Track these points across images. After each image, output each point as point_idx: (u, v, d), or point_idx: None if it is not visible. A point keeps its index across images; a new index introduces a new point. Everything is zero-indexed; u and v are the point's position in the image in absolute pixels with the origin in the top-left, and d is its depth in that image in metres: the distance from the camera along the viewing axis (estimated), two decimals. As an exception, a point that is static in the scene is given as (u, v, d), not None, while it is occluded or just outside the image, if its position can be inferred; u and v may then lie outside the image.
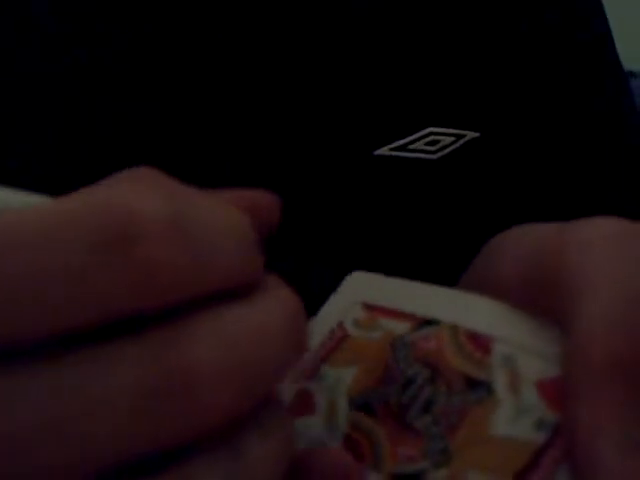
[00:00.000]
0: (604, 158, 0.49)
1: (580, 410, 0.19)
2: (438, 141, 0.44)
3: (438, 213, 0.45)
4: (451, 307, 0.23)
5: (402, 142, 0.43)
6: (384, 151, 0.43)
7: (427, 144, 0.44)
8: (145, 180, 0.18)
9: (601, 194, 0.48)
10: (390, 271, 0.43)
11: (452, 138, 0.44)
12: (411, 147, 0.43)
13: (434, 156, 0.44)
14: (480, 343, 0.22)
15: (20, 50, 0.44)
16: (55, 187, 0.40)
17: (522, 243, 0.23)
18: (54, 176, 0.42)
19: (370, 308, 0.24)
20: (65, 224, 0.17)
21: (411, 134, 0.43)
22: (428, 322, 0.23)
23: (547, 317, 0.22)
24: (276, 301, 0.19)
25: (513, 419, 0.21)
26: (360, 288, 0.24)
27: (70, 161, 0.43)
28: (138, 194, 0.17)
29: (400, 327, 0.23)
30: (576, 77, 0.48)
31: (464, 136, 0.44)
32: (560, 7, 0.48)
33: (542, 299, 0.22)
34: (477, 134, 0.45)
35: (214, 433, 0.17)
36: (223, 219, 0.19)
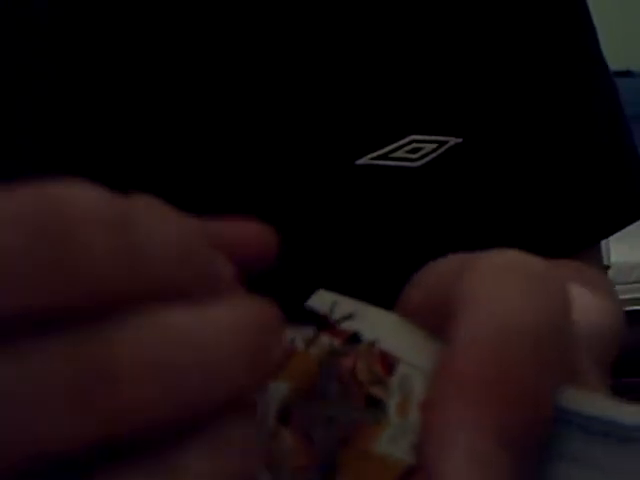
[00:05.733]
0: (591, 161, 0.49)
1: (432, 421, 0.19)
2: (420, 149, 0.44)
3: (421, 221, 0.45)
4: (374, 326, 0.24)
5: (383, 151, 0.44)
6: (365, 160, 0.43)
7: (409, 152, 0.44)
8: (84, 183, 0.18)
9: (588, 197, 0.48)
10: (373, 280, 0.43)
11: (434, 145, 0.44)
12: (393, 155, 0.44)
13: (416, 164, 0.44)
14: (387, 362, 0.23)
15: (19, 50, 0.44)
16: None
17: (431, 271, 0.24)
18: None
19: (319, 325, 0.25)
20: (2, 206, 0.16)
21: (392, 142, 0.44)
22: (354, 339, 0.24)
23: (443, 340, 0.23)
24: (227, 311, 0.19)
25: (393, 440, 0.22)
26: (316, 307, 0.25)
27: (69, 162, 0.43)
28: (78, 187, 0.17)
29: (333, 344, 0.24)
30: (560, 80, 0.48)
31: (446, 142, 0.45)
32: (543, 9, 0.48)
33: (437, 324, 0.22)
34: (460, 140, 0.45)
35: (141, 436, 0.17)
36: (166, 226, 0.19)
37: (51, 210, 0.17)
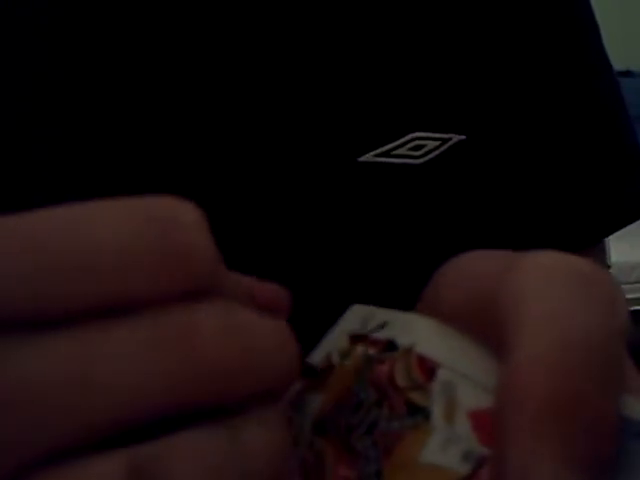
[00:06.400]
0: (593, 159, 0.49)
1: (510, 451, 0.19)
2: (423, 146, 0.44)
3: (424, 219, 0.45)
4: (410, 331, 0.23)
5: (386, 148, 0.43)
6: (368, 158, 0.43)
7: (411, 149, 0.44)
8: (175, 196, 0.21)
9: (589, 196, 0.48)
10: (377, 278, 0.43)
11: (437, 142, 0.44)
12: (395, 153, 0.43)
13: (419, 161, 0.44)
14: (426, 368, 0.22)
15: (22, 53, 0.44)
16: (54, 193, 0.41)
17: (465, 270, 0.23)
18: (54, 182, 0.43)
19: (353, 337, 0.24)
20: (117, 208, 0.19)
21: (395, 140, 0.43)
22: (391, 346, 0.23)
23: (487, 346, 0.22)
24: (272, 319, 0.21)
25: (442, 448, 0.21)
26: (350, 321, 0.25)
27: (73, 165, 0.43)
28: (178, 200, 0.20)
29: (368, 352, 0.24)
30: (562, 76, 0.48)
31: (449, 140, 0.44)
32: (545, 7, 0.48)
33: (479, 328, 0.22)
34: (463, 137, 0.45)
35: (215, 401, 0.19)
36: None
37: (170, 217, 0.20)
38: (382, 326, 0.24)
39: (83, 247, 0.19)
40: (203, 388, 0.19)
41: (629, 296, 2.12)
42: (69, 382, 0.18)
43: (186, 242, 0.19)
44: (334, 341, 0.25)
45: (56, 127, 0.43)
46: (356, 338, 0.24)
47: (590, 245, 0.49)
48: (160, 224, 0.19)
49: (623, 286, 2.10)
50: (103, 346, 0.18)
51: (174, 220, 0.20)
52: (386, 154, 0.43)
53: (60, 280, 0.18)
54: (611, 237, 0.50)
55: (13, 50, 0.44)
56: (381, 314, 0.24)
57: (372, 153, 0.43)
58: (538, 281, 0.21)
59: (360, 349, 0.23)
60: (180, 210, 0.20)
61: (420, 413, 0.21)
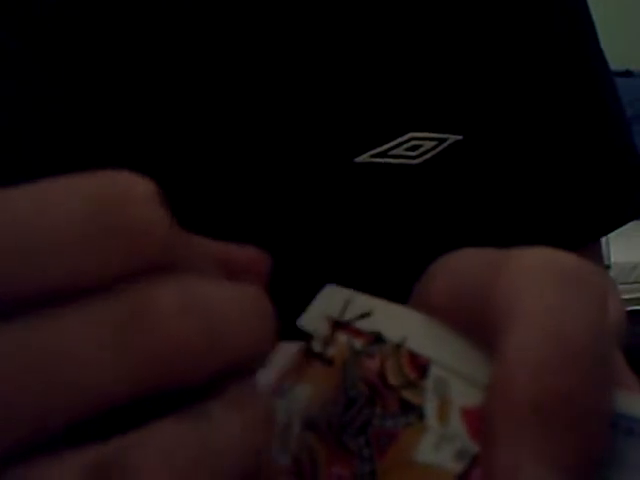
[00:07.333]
0: (590, 158, 0.49)
1: (497, 451, 0.19)
2: (419, 146, 0.44)
3: (421, 219, 0.45)
4: (400, 325, 0.23)
5: (383, 148, 0.43)
6: (365, 158, 0.43)
7: (408, 149, 0.44)
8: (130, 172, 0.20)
9: (586, 195, 0.48)
10: (374, 279, 0.43)
11: (434, 142, 0.44)
12: (392, 153, 0.43)
13: (415, 161, 0.44)
14: (418, 364, 0.22)
15: (21, 51, 0.44)
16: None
17: (454, 268, 0.23)
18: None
19: (333, 324, 0.24)
20: (62, 186, 0.19)
21: (392, 140, 0.43)
22: (378, 340, 0.23)
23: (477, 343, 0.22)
24: (240, 288, 0.21)
25: (436, 446, 0.21)
26: (328, 303, 0.25)
27: (71, 161, 0.43)
28: (130, 174, 0.20)
29: (354, 344, 0.23)
30: (559, 75, 0.48)
31: (446, 140, 0.44)
32: (543, 7, 0.48)
33: (468, 326, 0.22)
34: (460, 137, 0.45)
35: (179, 381, 0.19)
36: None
37: (120, 193, 0.19)
38: (365, 315, 0.23)
39: (26, 229, 0.18)
40: (163, 369, 0.18)
41: (629, 296, 2.12)
42: (21, 371, 0.17)
43: (136, 217, 0.19)
44: (313, 325, 0.24)
45: (55, 125, 0.43)
46: (337, 325, 0.23)
47: (588, 244, 0.49)
48: (109, 200, 0.19)
49: (623, 286, 2.11)
50: (53, 333, 0.18)
51: (124, 195, 0.19)
52: (383, 154, 0.43)
53: (1, 265, 0.18)
54: (610, 237, 0.50)
55: (12, 47, 0.44)
56: (363, 301, 0.24)
57: (369, 153, 0.43)
58: (526, 279, 0.21)
59: (343, 338, 0.23)
60: (130, 184, 0.19)
61: (413, 411, 0.21)
